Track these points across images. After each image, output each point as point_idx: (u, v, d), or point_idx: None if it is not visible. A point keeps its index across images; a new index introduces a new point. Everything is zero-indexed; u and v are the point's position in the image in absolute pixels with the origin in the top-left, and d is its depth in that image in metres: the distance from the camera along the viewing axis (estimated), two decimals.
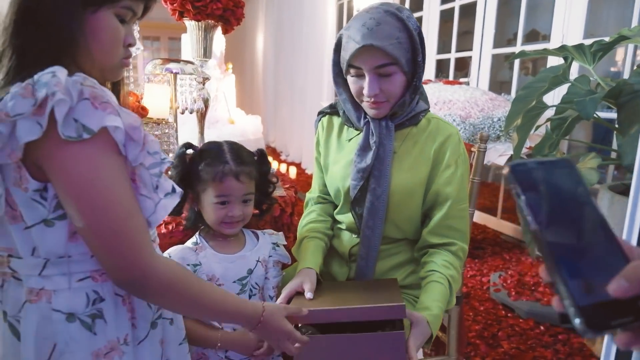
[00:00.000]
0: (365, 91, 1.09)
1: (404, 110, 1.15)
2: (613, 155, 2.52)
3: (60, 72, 0.63)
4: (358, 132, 1.21)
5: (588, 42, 2.50)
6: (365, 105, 1.14)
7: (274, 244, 1.20)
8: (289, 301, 1.04)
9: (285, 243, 1.23)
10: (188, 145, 1.11)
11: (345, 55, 1.09)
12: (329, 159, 1.27)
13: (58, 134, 0.61)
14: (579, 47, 1.88)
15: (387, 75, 1.07)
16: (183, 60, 1.56)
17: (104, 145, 0.65)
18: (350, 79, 1.13)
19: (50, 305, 0.69)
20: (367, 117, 1.17)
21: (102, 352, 0.71)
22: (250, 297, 1.11)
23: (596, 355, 1.92)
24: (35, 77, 0.62)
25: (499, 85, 3.80)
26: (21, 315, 0.70)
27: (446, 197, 1.13)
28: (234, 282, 1.10)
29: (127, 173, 0.69)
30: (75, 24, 0.68)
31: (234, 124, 2.99)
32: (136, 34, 1.30)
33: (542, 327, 2.13)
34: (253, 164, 1.11)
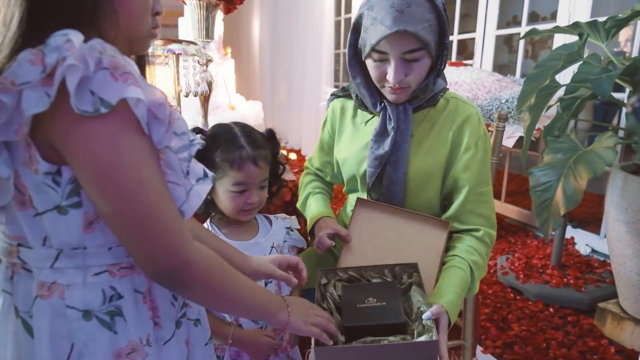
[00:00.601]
0: (390, 77, 1.03)
1: (425, 95, 1.09)
2: (620, 134, 2.49)
3: (75, 35, 0.55)
4: (373, 115, 1.17)
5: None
6: (385, 90, 1.08)
7: (287, 228, 1.17)
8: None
9: (299, 227, 1.20)
10: (197, 130, 1.05)
11: (368, 38, 1.01)
12: (342, 144, 1.22)
13: (71, 108, 0.54)
14: (593, 24, 1.82)
15: (414, 61, 1.01)
16: (185, 41, 1.51)
17: (125, 122, 0.57)
18: (371, 64, 1.06)
19: (64, 301, 0.63)
20: (384, 102, 1.11)
21: (124, 353, 0.64)
22: (266, 284, 1.08)
23: (607, 336, 1.90)
24: (47, 41, 0.55)
25: (498, 68, 3.75)
26: (33, 312, 0.63)
27: (464, 182, 1.09)
28: None
29: (154, 153, 0.61)
30: None
31: (235, 110, 2.93)
32: None
33: (551, 309, 2.12)
34: (266, 145, 1.07)
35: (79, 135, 0.56)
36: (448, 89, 1.15)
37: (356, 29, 1.07)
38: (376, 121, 1.14)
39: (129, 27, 0.64)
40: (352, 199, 1.25)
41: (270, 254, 1.09)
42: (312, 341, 0.86)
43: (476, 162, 1.09)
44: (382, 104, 1.11)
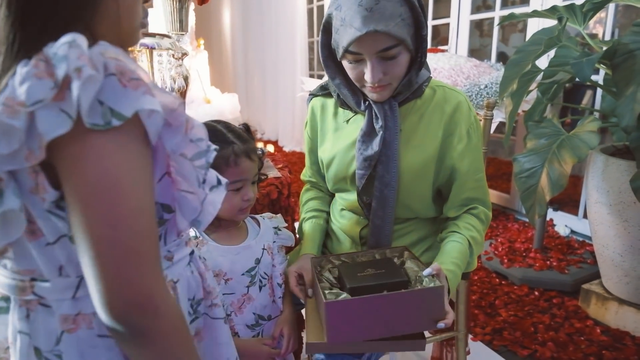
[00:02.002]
0: (367, 77, 0.98)
1: (409, 89, 1.05)
2: (596, 115, 2.52)
3: (80, 39, 0.48)
4: (356, 112, 1.12)
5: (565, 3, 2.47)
6: (366, 89, 1.03)
7: (275, 227, 1.13)
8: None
9: (286, 225, 1.16)
10: None
11: (340, 40, 0.96)
12: (326, 144, 1.17)
13: (81, 122, 0.47)
14: (570, 7, 1.82)
15: (391, 58, 0.96)
16: (159, 34, 1.43)
17: (134, 135, 0.51)
18: (347, 65, 1.01)
19: (94, 331, 0.57)
20: (368, 100, 1.07)
21: None
22: (260, 288, 1.04)
23: (592, 317, 1.93)
24: (47, 50, 0.48)
25: (470, 53, 3.76)
26: (61, 349, 0.57)
27: (462, 171, 1.07)
28: (242, 274, 1.02)
29: (153, 171, 0.55)
30: None
31: (211, 104, 2.86)
32: None
33: (536, 293, 2.14)
34: (250, 139, 1.03)
35: (80, 149, 0.49)
36: (432, 77, 1.11)
37: (327, 30, 1.01)
38: (360, 119, 1.10)
39: (122, 21, 0.58)
40: (339, 199, 1.21)
41: (262, 256, 1.06)
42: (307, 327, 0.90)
43: (470, 150, 1.07)
44: (367, 102, 1.06)
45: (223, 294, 1.00)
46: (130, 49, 1.39)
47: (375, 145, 1.04)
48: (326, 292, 0.90)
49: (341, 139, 1.14)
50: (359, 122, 1.10)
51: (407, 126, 1.08)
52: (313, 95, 1.22)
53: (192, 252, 0.73)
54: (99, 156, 0.49)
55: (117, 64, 0.50)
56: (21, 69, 0.48)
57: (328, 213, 1.25)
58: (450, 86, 1.12)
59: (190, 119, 0.58)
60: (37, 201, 0.52)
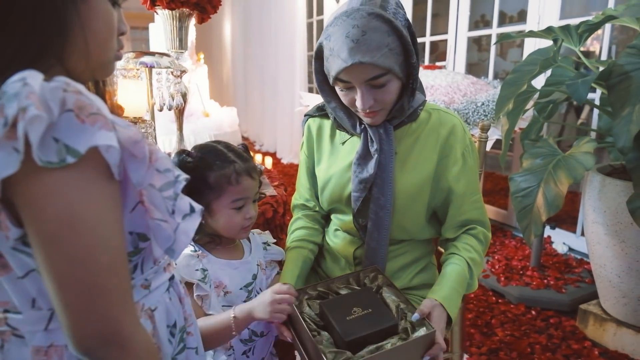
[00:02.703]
0: (358, 104, 1.00)
1: (402, 115, 1.06)
2: (592, 135, 2.54)
3: (33, 77, 0.48)
4: (352, 134, 1.13)
5: (562, 23, 2.49)
6: (360, 114, 1.05)
7: (264, 243, 1.16)
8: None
9: (275, 240, 1.18)
10: (185, 153, 1.00)
11: (330, 68, 0.98)
12: (322, 165, 1.18)
13: (33, 160, 0.47)
14: (565, 28, 1.84)
15: (381, 86, 0.97)
16: (158, 53, 1.44)
17: (93, 171, 0.51)
18: (339, 91, 1.03)
19: None
20: (364, 123, 1.08)
21: None
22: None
23: (590, 338, 1.92)
24: (3, 87, 0.48)
25: (468, 67, 3.79)
26: None
27: (457, 193, 1.08)
28: (240, 289, 1.04)
29: (120, 204, 0.56)
30: (68, 10, 0.54)
31: (209, 117, 2.86)
32: None
33: (533, 312, 2.13)
34: (249, 158, 1.04)
35: (35, 188, 0.48)
36: (427, 101, 1.12)
37: (319, 57, 1.03)
38: (356, 141, 1.11)
39: (96, 54, 0.59)
40: (334, 219, 1.21)
41: (257, 272, 1.08)
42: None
43: (466, 172, 1.08)
44: (362, 126, 1.08)
45: (222, 306, 1.00)
46: (129, 67, 1.40)
47: (371, 168, 1.05)
48: (327, 352, 0.87)
49: (337, 161, 1.14)
50: (355, 144, 1.11)
51: (402, 149, 1.09)
52: (309, 115, 1.22)
53: (172, 278, 0.73)
54: (54, 194, 0.49)
55: (77, 100, 0.49)
56: None
57: (315, 243, 1.23)
58: (445, 109, 1.13)
59: (155, 150, 0.58)
60: (1, 238, 0.52)
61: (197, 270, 0.97)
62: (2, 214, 0.51)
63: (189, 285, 0.95)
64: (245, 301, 1.03)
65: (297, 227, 1.23)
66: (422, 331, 0.91)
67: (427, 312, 0.95)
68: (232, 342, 1.04)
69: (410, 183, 1.07)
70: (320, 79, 1.06)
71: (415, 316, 0.93)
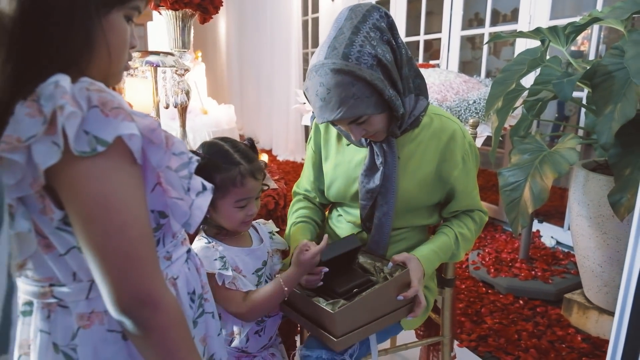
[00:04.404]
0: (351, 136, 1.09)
1: (398, 133, 1.10)
2: (580, 132, 2.63)
3: (64, 80, 0.56)
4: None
5: (552, 23, 2.57)
6: None
7: (270, 232, 1.22)
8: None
9: (278, 230, 1.25)
10: (193, 153, 1.05)
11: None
12: (329, 162, 1.26)
13: (70, 150, 0.55)
14: (553, 30, 1.92)
15: (364, 122, 1.03)
16: (163, 52, 1.51)
17: (120, 157, 0.59)
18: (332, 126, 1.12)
19: (104, 326, 0.67)
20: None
21: None
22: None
23: (573, 325, 2.01)
24: (38, 90, 0.55)
25: (462, 65, 3.87)
26: (77, 343, 0.67)
27: (458, 191, 1.18)
28: (252, 274, 1.11)
29: (143, 185, 0.64)
30: (92, 27, 0.60)
31: (207, 114, 2.92)
32: None
33: (521, 302, 2.22)
34: (255, 156, 1.09)
35: (72, 173, 0.57)
36: (430, 103, 1.16)
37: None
38: (366, 158, 1.17)
39: (111, 65, 0.66)
40: (340, 210, 1.29)
41: (267, 259, 1.15)
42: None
43: (465, 173, 1.17)
44: (368, 140, 1.14)
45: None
46: (135, 66, 1.47)
47: (377, 179, 1.13)
48: (323, 304, 0.99)
49: (344, 161, 1.22)
50: (364, 158, 1.17)
51: (404, 154, 1.15)
52: None
53: (188, 250, 0.83)
54: (90, 178, 0.57)
55: (100, 97, 0.57)
56: (19, 110, 0.55)
57: (317, 223, 1.31)
58: (447, 114, 1.19)
59: (170, 136, 0.66)
60: (46, 220, 0.61)
61: (215, 260, 1.02)
62: (46, 199, 0.60)
63: (210, 276, 0.99)
64: (257, 285, 1.10)
65: (299, 207, 1.32)
66: (398, 272, 1.08)
67: (399, 260, 1.09)
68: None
69: (411, 185, 1.15)
70: None
71: (389, 265, 1.09)
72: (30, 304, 0.69)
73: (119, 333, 0.67)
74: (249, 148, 1.12)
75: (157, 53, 1.48)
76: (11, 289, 0.45)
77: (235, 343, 1.14)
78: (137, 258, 0.60)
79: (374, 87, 0.98)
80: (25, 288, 0.68)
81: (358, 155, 1.19)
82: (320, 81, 0.98)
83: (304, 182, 1.34)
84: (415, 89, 1.09)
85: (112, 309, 0.61)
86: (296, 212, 1.31)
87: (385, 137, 1.11)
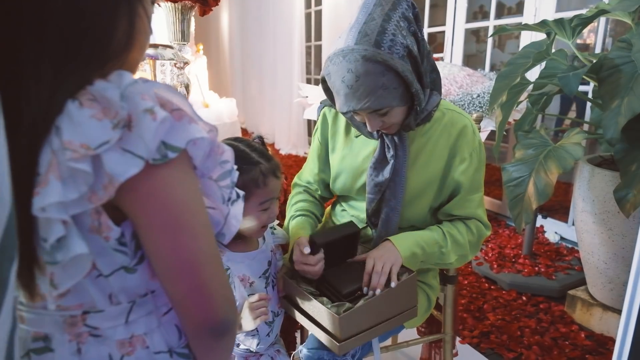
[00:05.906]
0: (367, 126, 1.05)
1: (414, 127, 1.08)
2: (585, 127, 2.59)
3: (128, 76, 0.50)
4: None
5: (558, 15, 2.53)
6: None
7: (271, 227, 1.18)
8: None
9: (278, 222, 1.23)
10: None
11: (335, 101, 1.03)
12: (336, 154, 1.23)
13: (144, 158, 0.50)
14: (559, 22, 1.88)
15: (385, 113, 1.01)
16: (162, 45, 1.49)
17: (186, 163, 0.54)
18: (349, 114, 1.08)
19: (149, 349, 0.61)
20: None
21: None
22: (273, 287, 1.11)
23: (577, 322, 1.99)
24: (98, 90, 0.49)
25: (467, 58, 3.83)
26: None
27: (461, 188, 1.13)
28: (260, 277, 1.08)
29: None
30: (134, 13, 0.55)
31: (209, 108, 2.90)
32: None
33: (524, 298, 2.20)
34: (269, 154, 1.06)
35: (153, 183, 0.51)
36: (442, 99, 1.14)
37: (325, 81, 1.05)
38: (376, 150, 1.14)
39: (140, 55, 0.62)
40: (345, 205, 1.27)
41: (271, 258, 1.11)
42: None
43: (470, 172, 1.12)
44: (379, 131, 1.11)
45: (249, 295, 1.03)
46: None
47: (387, 172, 1.10)
48: (329, 306, 0.98)
49: (352, 154, 1.19)
50: (368, 139, 1.15)
51: (414, 148, 1.13)
52: (324, 104, 1.26)
53: None
54: (168, 187, 0.52)
55: (159, 98, 0.51)
56: (75, 110, 0.48)
57: (316, 216, 1.29)
58: (459, 110, 1.16)
59: (219, 143, 0.60)
60: (97, 240, 0.54)
61: None
62: (102, 215, 0.53)
63: None
64: (265, 287, 1.07)
65: (299, 200, 1.28)
66: (404, 276, 1.05)
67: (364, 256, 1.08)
68: (259, 328, 1.07)
69: (419, 181, 1.12)
70: (331, 96, 1.09)
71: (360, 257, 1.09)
72: (45, 339, 0.59)
73: (166, 353, 0.62)
74: (260, 144, 1.09)
75: (155, 46, 1.46)
76: (14, 327, 0.38)
77: (245, 346, 1.12)
78: (217, 269, 0.57)
79: (404, 79, 0.95)
80: (41, 321, 0.59)
81: (366, 149, 1.16)
82: (348, 67, 0.94)
83: (307, 173, 1.32)
84: (431, 84, 1.07)
85: (199, 326, 0.57)
86: (295, 205, 1.28)
87: (398, 130, 1.08)
